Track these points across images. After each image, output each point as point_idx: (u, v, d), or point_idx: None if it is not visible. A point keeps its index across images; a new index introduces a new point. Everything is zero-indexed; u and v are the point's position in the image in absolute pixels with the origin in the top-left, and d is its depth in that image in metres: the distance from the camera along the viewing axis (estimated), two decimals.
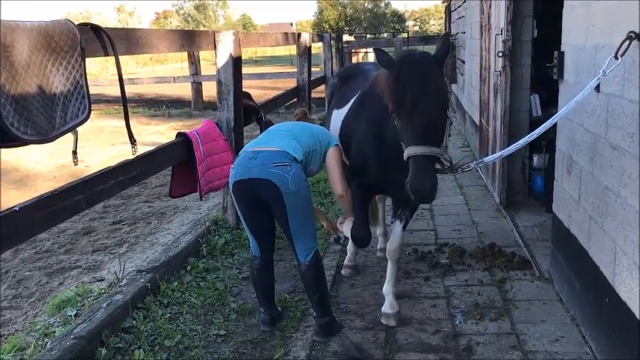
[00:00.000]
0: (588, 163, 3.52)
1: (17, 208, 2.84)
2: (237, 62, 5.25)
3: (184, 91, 18.37)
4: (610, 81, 3.05)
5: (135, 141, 3.63)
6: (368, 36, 42.02)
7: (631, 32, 2.70)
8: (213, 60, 5.28)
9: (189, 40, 4.70)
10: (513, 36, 5.84)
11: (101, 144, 11.38)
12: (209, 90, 16.07)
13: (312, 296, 3.67)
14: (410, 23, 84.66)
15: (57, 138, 2.92)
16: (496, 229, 5.63)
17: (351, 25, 69.71)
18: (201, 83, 15.83)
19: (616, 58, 2.73)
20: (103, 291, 4.14)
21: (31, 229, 2.91)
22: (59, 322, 3.95)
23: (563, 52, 4.11)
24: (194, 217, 6.19)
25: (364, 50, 18.11)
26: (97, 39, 3.35)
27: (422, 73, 2.97)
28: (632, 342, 2.88)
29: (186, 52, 16.16)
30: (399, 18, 78.68)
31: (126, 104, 3.64)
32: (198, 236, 5.04)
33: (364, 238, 3.87)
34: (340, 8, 75.46)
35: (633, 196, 2.81)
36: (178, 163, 4.61)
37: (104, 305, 3.73)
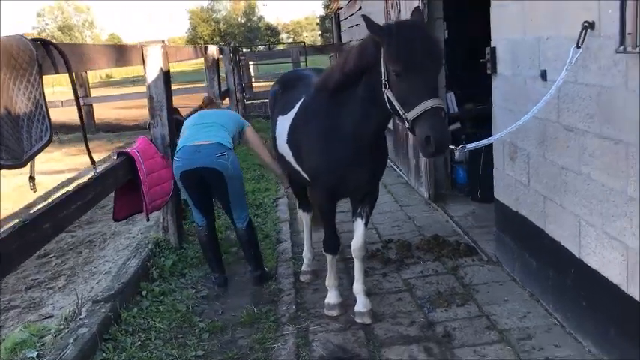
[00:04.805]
0: (537, 147, 3.78)
1: None
2: (167, 76, 5.08)
3: (70, 115, 17.29)
4: (559, 69, 3.30)
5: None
6: (260, 48, 43.41)
7: (585, 22, 2.95)
8: (143, 74, 5.06)
9: (123, 54, 4.49)
10: None
11: None
12: (101, 113, 15.54)
13: (249, 252, 4.64)
14: (284, 36, 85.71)
15: (27, 163, 2.69)
16: (432, 222, 5.87)
17: (226, 39, 69.15)
18: (92, 105, 14.99)
19: (578, 47, 2.97)
20: (62, 326, 3.82)
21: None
22: None
23: (494, 47, 4.39)
24: (127, 241, 5.87)
25: (252, 63, 19.03)
26: (47, 55, 3.12)
27: (425, 33, 3.16)
28: (605, 305, 3.13)
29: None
30: (273, 31, 79.38)
31: (85, 130, 3.44)
32: (144, 260, 4.79)
33: (337, 247, 4.12)
34: (214, 24, 74.87)
35: (597, 172, 3.07)
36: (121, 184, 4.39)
37: (71, 341, 3.45)
